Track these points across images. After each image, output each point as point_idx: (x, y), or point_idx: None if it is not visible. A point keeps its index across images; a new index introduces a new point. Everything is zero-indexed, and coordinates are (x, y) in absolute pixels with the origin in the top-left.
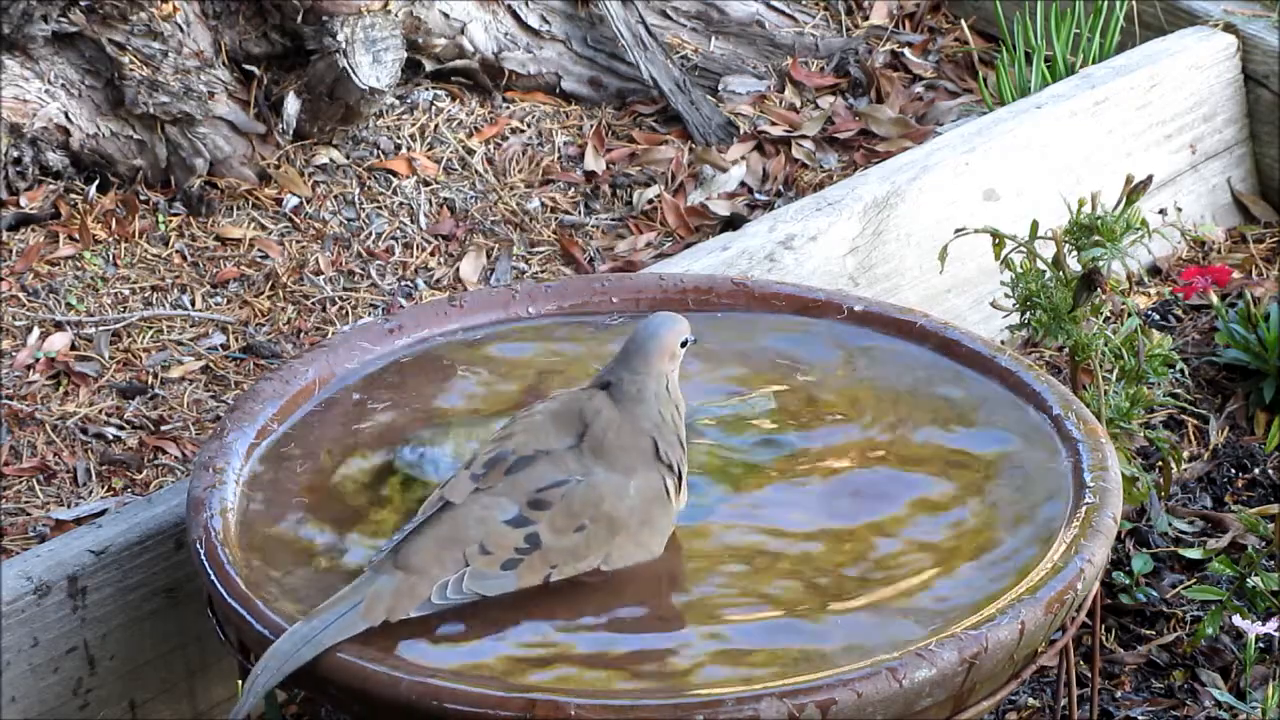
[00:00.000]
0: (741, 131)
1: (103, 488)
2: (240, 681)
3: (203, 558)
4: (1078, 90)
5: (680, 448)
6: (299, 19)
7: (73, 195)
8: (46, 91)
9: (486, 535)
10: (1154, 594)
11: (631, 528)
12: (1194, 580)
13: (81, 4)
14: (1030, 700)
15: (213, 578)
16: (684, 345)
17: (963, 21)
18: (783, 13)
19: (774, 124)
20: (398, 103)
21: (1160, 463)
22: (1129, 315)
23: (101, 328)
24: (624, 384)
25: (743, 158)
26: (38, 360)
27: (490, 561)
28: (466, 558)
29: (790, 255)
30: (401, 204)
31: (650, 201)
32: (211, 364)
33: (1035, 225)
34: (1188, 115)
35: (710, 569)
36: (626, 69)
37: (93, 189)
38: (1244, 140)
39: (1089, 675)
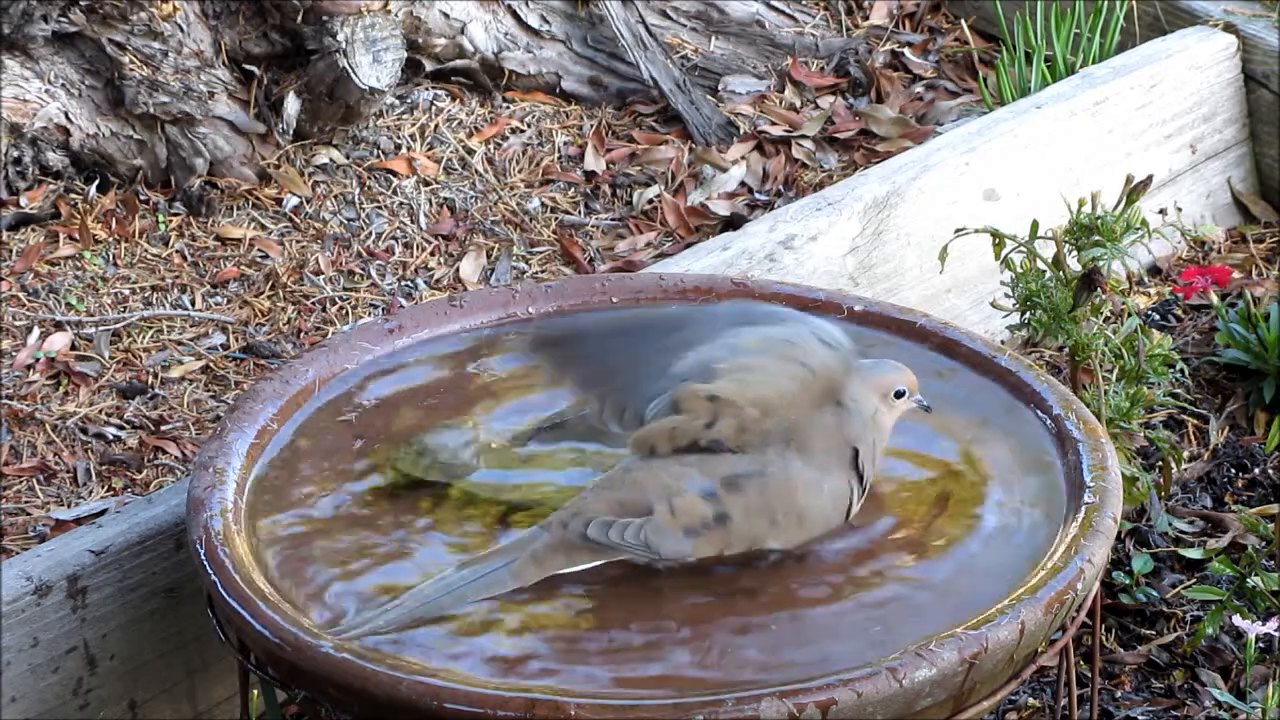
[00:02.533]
0: (741, 131)
1: (103, 488)
2: (240, 682)
3: (203, 558)
4: (1078, 90)
5: (874, 464)
6: (299, 19)
7: (73, 195)
8: (46, 91)
9: (676, 500)
10: (1154, 594)
11: (818, 527)
12: (1194, 580)
13: (81, 4)
14: (1030, 700)
15: (213, 578)
16: (899, 395)
17: (963, 21)
18: (783, 13)
19: (774, 124)
20: (398, 103)
21: (1160, 463)
22: (1129, 315)
23: (101, 328)
24: (845, 397)
25: (743, 158)
26: (38, 360)
27: (675, 523)
28: (654, 509)
29: (790, 255)
30: (401, 204)
31: (650, 201)
32: (211, 364)
33: (1035, 225)
34: (1188, 115)
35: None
36: (626, 69)
37: (93, 189)
38: (1244, 140)
39: (1089, 675)
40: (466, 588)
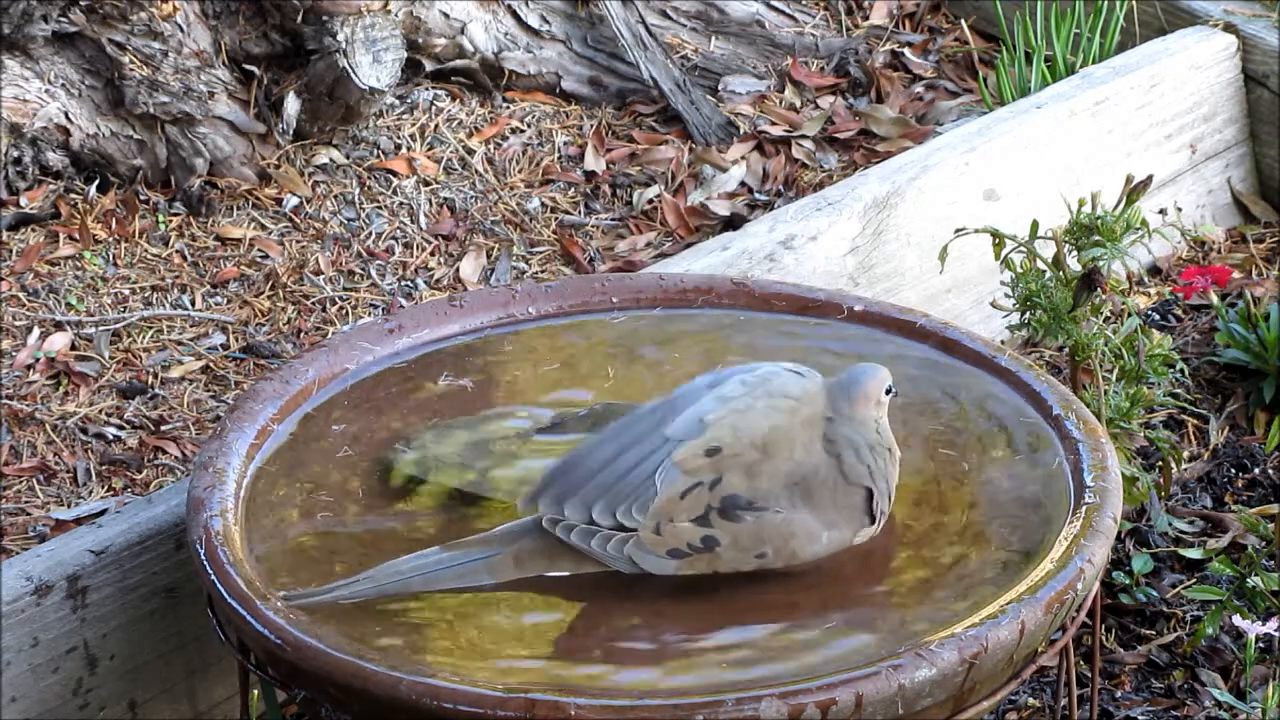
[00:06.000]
0: (741, 131)
1: (103, 488)
2: (240, 682)
3: (203, 558)
4: (1078, 90)
5: (889, 499)
6: (299, 19)
7: (73, 195)
8: (46, 91)
9: (665, 522)
10: (1154, 594)
11: (807, 566)
12: (1194, 580)
13: (81, 4)
14: (1030, 700)
15: (213, 578)
16: (888, 393)
17: (963, 21)
18: (783, 13)
19: (774, 124)
20: (398, 103)
21: (1160, 463)
22: (1129, 315)
23: (101, 328)
24: (836, 434)
25: (743, 158)
26: (38, 360)
27: (658, 543)
28: (639, 528)
29: (790, 255)
30: (401, 204)
31: (650, 201)
32: (211, 364)
33: (1035, 225)
34: (1188, 115)
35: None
36: (626, 69)
37: (93, 189)
38: (1244, 140)
39: (1089, 675)
40: (441, 573)
